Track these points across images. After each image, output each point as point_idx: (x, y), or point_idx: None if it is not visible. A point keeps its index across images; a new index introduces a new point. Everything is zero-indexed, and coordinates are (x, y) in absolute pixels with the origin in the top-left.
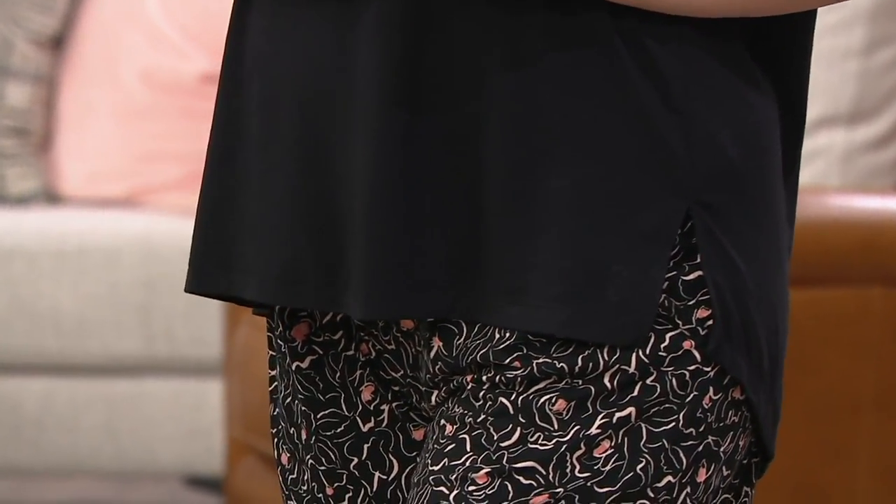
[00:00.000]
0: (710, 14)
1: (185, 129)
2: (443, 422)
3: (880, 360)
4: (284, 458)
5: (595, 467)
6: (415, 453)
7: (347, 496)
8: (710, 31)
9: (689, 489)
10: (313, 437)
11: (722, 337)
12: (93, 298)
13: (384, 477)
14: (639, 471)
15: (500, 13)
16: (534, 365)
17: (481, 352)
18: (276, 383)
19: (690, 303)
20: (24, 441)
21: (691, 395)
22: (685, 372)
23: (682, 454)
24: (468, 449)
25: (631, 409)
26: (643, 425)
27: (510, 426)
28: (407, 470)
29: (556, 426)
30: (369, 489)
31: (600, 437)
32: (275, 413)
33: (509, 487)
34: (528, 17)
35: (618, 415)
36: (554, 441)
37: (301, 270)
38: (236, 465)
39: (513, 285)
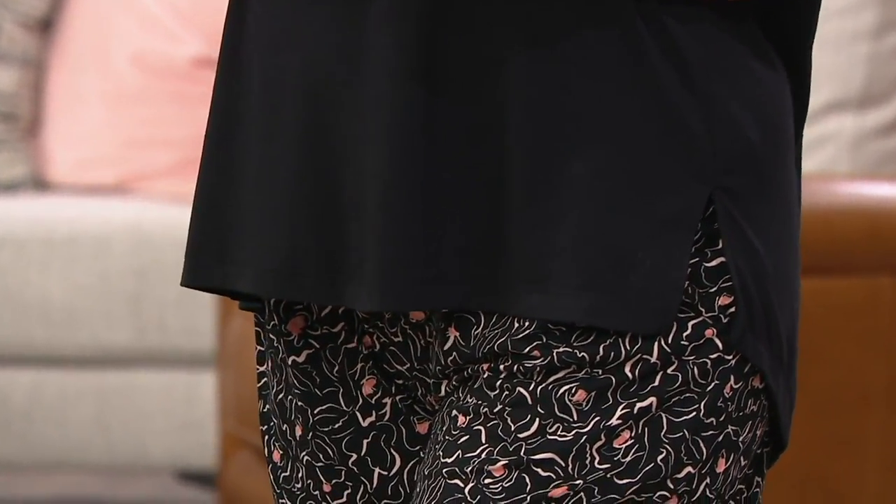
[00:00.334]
0: None
1: (177, 114)
2: (454, 412)
3: (890, 351)
4: (276, 456)
5: (615, 458)
6: (418, 447)
7: (346, 493)
8: (727, 10)
9: (708, 480)
10: (310, 433)
11: (745, 325)
12: (82, 288)
13: (385, 473)
14: (659, 462)
15: None
16: (554, 354)
17: (499, 341)
18: (265, 379)
19: (713, 290)
20: (11, 434)
21: (712, 384)
22: (707, 360)
23: (702, 444)
24: (483, 440)
25: (652, 399)
26: (664, 415)
27: (528, 417)
28: (409, 465)
29: (575, 417)
30: (369, 485)
31: (621, 428)
32: (265, 410)
33: (527, 479)
34: None
35: (639, 405)
36: (573, 432)
37: (301, 262)
38: (230, 460)
39: (533, 274)
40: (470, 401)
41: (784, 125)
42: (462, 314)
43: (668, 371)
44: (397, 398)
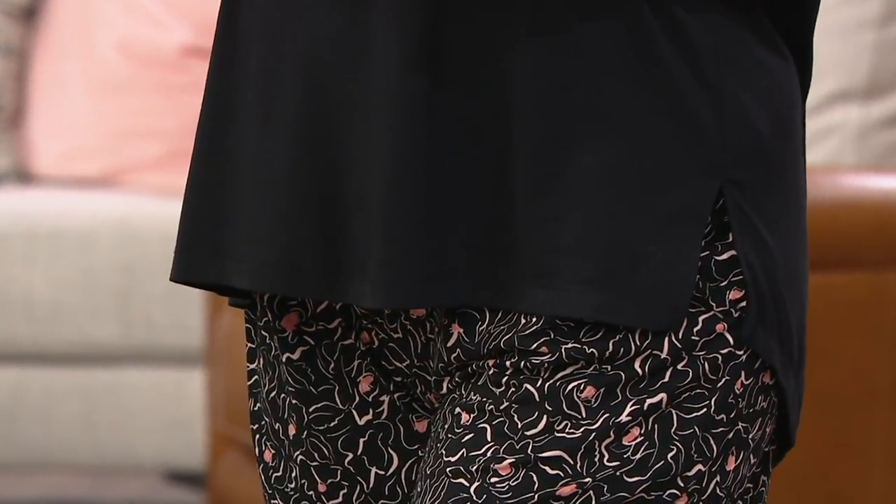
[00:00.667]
0: None
1: (164, 104)
2: (457, 410)
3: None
4: (268, 455)
5: (624, 456)
6: (416, 446)
7: (342, 493)
8: None
9: (718, 478)
10: (304, 432)
11: (756, 320)
12: (67, 283)
13: (382, 472)
14: (669, 459)
15: None
16: (562, 350)
17: (505, 337)
18: (256, 377)
19: (723, 284)
20: None
21: (723, 380)
22: (717, 356)
23: (712, 441)
24: (489, 438)
25: (662, 396)
26: (674, 412)
27: (536, 414)
28: (407, 464)
29: (584, 414)
30: (365, 485)
31: (630, 425)
32: (256, 409)
33: (535, 478)
34: None
35: (648, 401)
36: (582, 429)
37: (301, 257)
38: (219, 459)
39: (541, 269)
40: (474, 398)
41: (793, 116)
42: (466, 310)
43: (679, 367)
44: (395, 396)
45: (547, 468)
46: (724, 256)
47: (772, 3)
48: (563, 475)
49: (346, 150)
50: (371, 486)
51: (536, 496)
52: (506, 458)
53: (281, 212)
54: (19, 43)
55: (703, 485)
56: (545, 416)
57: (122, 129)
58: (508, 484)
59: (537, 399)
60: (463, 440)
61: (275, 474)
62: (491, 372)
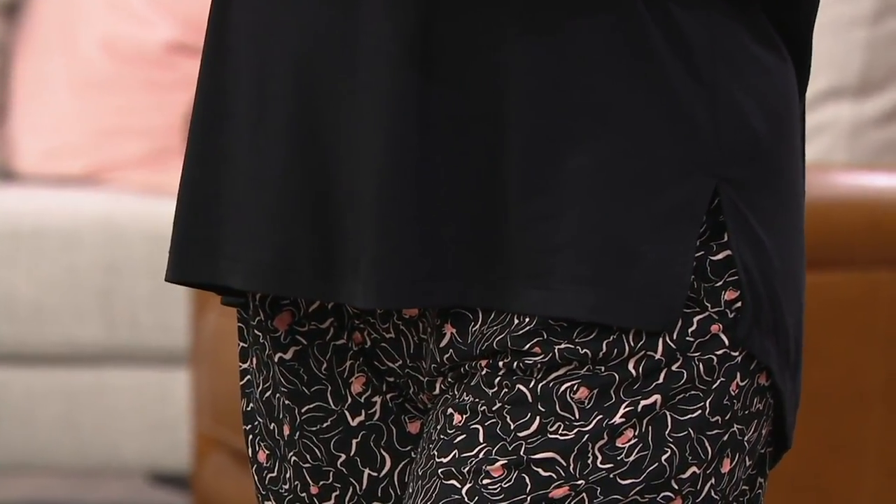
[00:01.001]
0: None
1: (148, 102)
2: (450, 411)
3: (888, 347)
4: (262, 456)
5: (618, 458)
6: (409, 447)
7: (334, 495)
8: None
9: (713, 480)
10: (297, 433)
11: (751, 321)
12: (50, 283)
13: (374, 474)
14: (663, 461)
15: None
16: (555, 351)
17: (498, 338)
18: (248, 377)
19: (718, 284)
20: None
21: (718, 382)
22: (713, 357)
23: (707, 443)
24: (481, 439)
25: (656, 397)
26: (668, 413)
27: (528, 415)
28: (400, 465)
29: (577, 415)
30: (358, 487)
31: (624, 427)
32: (249, 409)
33: (527, 480)
34: None
35: (643, 403)
36: (575, 431)
37: (294, 257)
38: (204, 461)
39: (534, 269)
40: (467, 399)
41: (790, 115)
42: (459, 310)
43: (673, 368)
44: (388, 396)
45: (540, 470)
46: (720, 256)
47: (769, 1)
48: (555, 477)
49: (338, 149)
50: (364, 487)
51: (529, 498)
52: (498, 460)
53: (274, 211)
54: (1, 40)
55: (698, 487)
56: (538, 418)
57: (106, 127)
58: (501, 485)
59: (530, 400)
60: (455, 441)
61: (269, 475)
62: (484, 372)
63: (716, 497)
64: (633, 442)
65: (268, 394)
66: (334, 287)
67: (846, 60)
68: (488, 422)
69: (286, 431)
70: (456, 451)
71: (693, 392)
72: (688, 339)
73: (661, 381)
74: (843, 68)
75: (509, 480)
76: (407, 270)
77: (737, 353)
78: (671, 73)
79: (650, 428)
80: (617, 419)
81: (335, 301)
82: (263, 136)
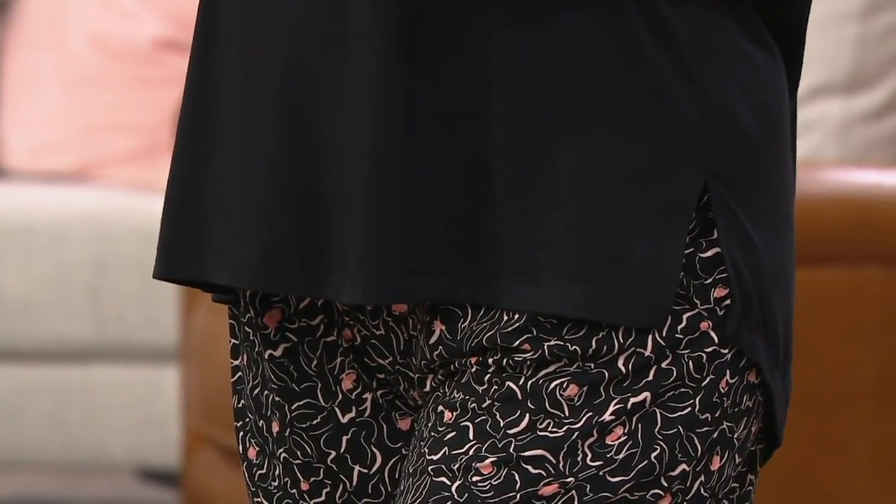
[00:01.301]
0: None
1: (137, 98)
2: (440, 408)
3: (878, 345)
4: (252, 453)
5: (608, 455)
6: (399, 444)
7: (325, 491)
8: None
9: (702, 478)
10: (287, 430)
11: (740, 318)
12: (39, 279)
13: (365, 470)
14: (653, 458)
15: None
16: (545, 347)
17: (488, 334)
18: (240, 374)
19: (707, 281)
20: None
21: (708, 379)
22: (702, 354)
23: (696, 441)
24: (471, 437)
25: (646, 395)
26: (658, 411)
27: (518, 412)
28: (391, 462)
29: (567, 412)
30: (348, 484)
31: (613, 424)
32: (240, 406)
33: (516, 477)
34: None
35: (632, 400)
36: (565, 428)
37: (282, 253)
38: (193, 458)
39: (523, 265)
40: (457, 396)
41: (780, 112)
42: (448, 307)
43: (663, 365)
44: (378, 393)
45: (529, 467)
46: (709, 254)
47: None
48: (545, 474)
49: (326, 145)
50: (354, 484)
51: (518, 496)
52: (487, 457)
53: (261, 208)
54: None
55: (688, 485)
56: (528, 415)
57: (95, 124)
58: (490, 483)
59: (519, 397)
60: (445, 438)
61: (259, 472)
62: (473, 369)
63: (705, 494)
64: (622, 439)
65: (257, 391)
66: (321, 283)
67: (836, 57)
68: (478, 419)
69: (276, 428)
70: (446, 448)
71: (683, 389)
72: (677, 336)
73: (650, 378)
74: (833, 64)
75: (499, 478)
76: (394, 266)
77: (726, 351)
78: (659, 69)
79: (640, 425)
80: (606, 416)
81: (322, 297)
82: (251, 133)
